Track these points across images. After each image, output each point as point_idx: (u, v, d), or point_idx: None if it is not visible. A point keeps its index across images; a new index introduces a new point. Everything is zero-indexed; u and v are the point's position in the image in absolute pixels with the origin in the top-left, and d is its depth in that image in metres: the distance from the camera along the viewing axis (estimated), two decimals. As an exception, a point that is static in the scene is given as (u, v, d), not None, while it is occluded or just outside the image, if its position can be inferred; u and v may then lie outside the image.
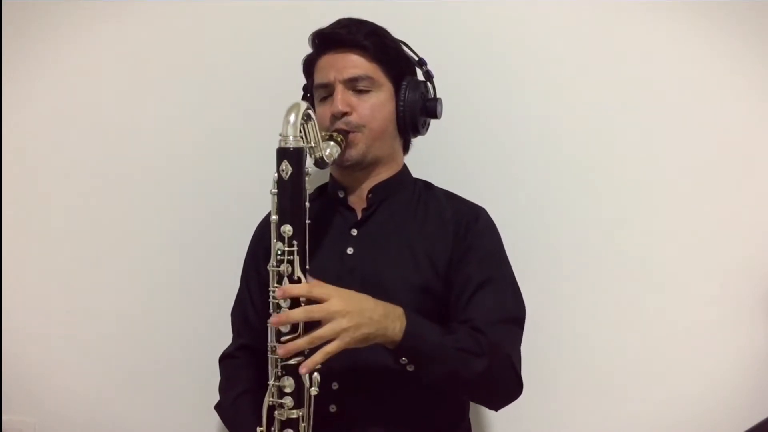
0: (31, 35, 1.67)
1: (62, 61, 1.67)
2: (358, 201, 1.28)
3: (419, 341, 1.07)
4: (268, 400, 1.06)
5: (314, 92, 1.27)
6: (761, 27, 1.39)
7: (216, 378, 1.32)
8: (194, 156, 1.63)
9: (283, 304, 1.02)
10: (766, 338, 1.39)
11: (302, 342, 1.00)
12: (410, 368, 1.08)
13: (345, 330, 1.00)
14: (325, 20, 1.27)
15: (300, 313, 1.00)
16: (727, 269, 1.42)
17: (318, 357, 0.99)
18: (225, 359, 1.34)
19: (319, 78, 1.25)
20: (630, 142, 1.45)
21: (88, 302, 1.67)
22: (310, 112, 1.08)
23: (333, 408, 1.17)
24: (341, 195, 1.28)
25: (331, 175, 1.33)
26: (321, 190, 1.36)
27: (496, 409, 1.21)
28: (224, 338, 1.36)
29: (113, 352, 1.67)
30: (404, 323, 1.06)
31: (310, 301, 1.01)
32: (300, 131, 1.06)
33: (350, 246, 1.23)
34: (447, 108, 1.32)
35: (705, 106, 1.42)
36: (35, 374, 1.70)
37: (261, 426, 1.06)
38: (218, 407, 1.28)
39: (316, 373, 1.02)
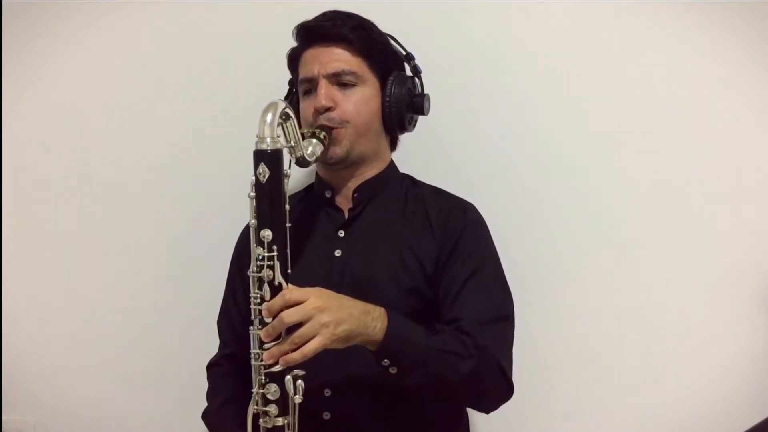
0: (31, 35, 1.67)
1: (60, 61, 1.67)
2: (344, 201, 1.26)
3: (401, 342, 1.04)
4: (252, 407, 1.04)
5: (299, 86, 1.25)
6: (762, 27, 1.37)
7: (214, 378, 1.33)
8: (181, 156, 1.62)
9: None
10: (766, 338, 1.38)
11: (285, 345, 0.99)
12: (393, 371, 1.05)
13: (325, 325, 0.98)
14: (310, 13, 1.24)
15: (279, 323, 0.99)
16: (726, 269, 1.41)
17: (297, 355, 0.97)
18: (211, 367, 1.33)
19: (303, 72, 1.23)
20: (626, 141, 1.43)
21: (88, 302, 1.68)
22: (289, 110, 1.05)
23: (327, 415, 1.16)
24: (328, 195, 1.26)
25: (317, 174, 1.31)
26: (308, 189, 1.34)
27: (487, 412, 1.18)
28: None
29: (113, 352, 1.67)
30: (385, 323, 1.03)
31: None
32: (279, 131, 1.03)
33: (338, 248, 1.22)
34: (435, 104, 1.30)
35: (705, 106, 1.40)
36: (35, 374, 1.71)
37: (247, 434, 1.05)
38: (204, 415, 1.27)
39: (300, 381, 1.00)
